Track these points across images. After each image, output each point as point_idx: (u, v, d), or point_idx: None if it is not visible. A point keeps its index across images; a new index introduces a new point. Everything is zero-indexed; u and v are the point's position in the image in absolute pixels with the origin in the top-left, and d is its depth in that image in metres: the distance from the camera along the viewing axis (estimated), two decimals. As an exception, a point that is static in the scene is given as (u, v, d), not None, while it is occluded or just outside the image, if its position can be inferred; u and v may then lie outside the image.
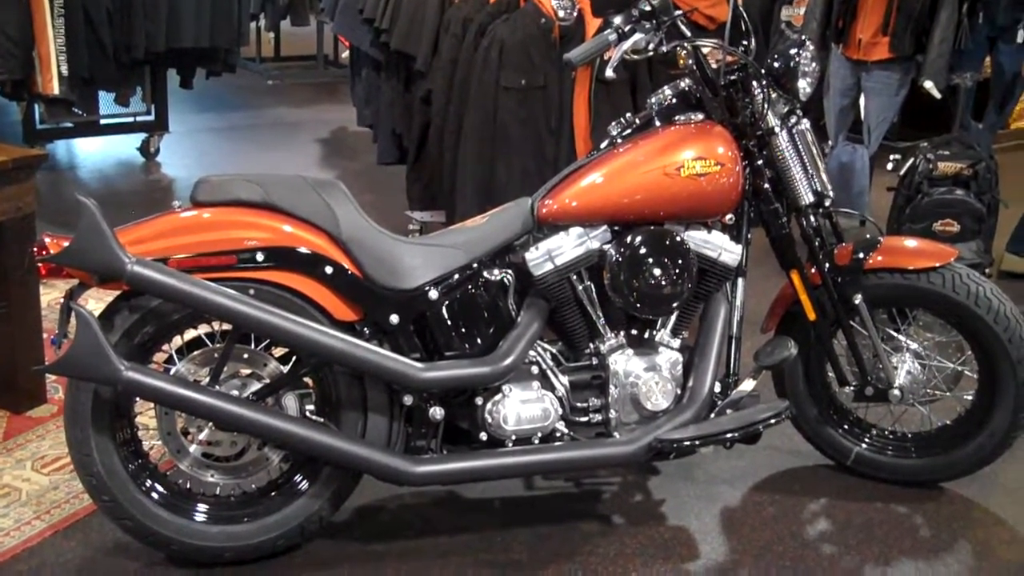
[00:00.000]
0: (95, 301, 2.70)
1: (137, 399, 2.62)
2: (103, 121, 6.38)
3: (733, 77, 2.87)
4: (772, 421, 2.81)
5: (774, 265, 3.02)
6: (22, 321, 3.34)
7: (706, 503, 3.07)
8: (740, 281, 2.91)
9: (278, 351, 2.72)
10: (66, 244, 2.40)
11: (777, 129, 2.88)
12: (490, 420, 2.71)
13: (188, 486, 2.72)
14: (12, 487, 2.99)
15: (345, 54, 7.62)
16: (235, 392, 2.62)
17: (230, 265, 2.51)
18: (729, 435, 2.76)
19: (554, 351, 2.82)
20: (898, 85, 4.93)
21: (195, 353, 2.64)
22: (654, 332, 2.83)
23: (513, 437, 2.72)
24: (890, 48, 4.80)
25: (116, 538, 2.75)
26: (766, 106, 2.85)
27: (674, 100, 2.88)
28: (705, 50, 2.86)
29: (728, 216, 2.83)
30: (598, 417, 2.81)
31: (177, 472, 2.71)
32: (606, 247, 2.73)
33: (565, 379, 2.79)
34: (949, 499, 3.13)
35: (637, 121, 2.88)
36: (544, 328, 2.76)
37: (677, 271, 2.71)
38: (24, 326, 3.36)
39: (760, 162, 2.88)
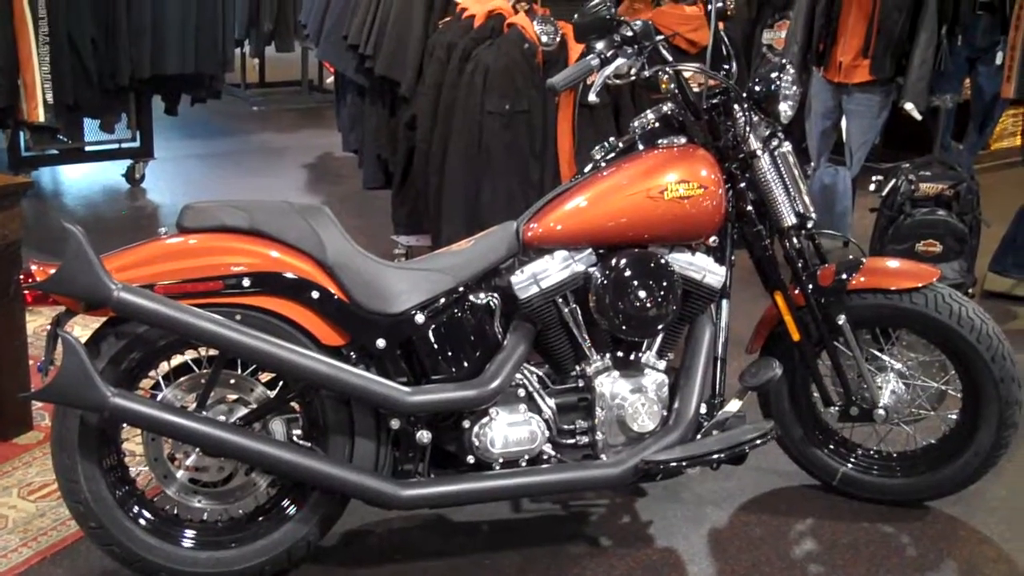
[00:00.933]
0: (82, 328, 2.70)
1: (124, 425, 2.62)
2: (88, 148, 6.37)
3: (715, 101, 2.90)
4: (758, 442, 2.82)
5: (758, 287, 3.04)
6: (8, 348, 3.34)
7: (693, 524, 3.08)
8: (725, 303, 2.92)
9: (265, 376, 2.72)
10: (52, 271, 2.40)
11: (759, 152, 2.90)
12: (477, 443, 2.72)
13: (175, 512, 2.71)
14: (-2, 515, 2.99)
15: (330, 80, 7.64)
16: (222, 417, 2.62)
17: (216, 291, 2.52)
18: (715, 456, 2.77)
19: (540, 374, 2.82)
20: (879, 107, 4.96)
21: (182, 379, 2.64)
22: (640, 354, 2.84)
23: (500, 460, 2.73)
24: (871, 71, 4.84)
25: (103, 565, 2.74)
26: (748, 129, 2.87)
27: (657, 124, 2.90)
28: (687, 74, 2.89)
29: (712, 238, 2.85)
30: (585, 439, 2.82)
31: (164, 498, 2.70)
32: (591, 270, 2.75)
33: (551, 401, 2.80)
34: (935, 518, 3.14)
35: (620, 145, 2.90)
36: (530, 351, 2.77)
37: (662, 293, 2.72)
38: (10, 353, 3.35)
39: (743, 185, 2.91)
